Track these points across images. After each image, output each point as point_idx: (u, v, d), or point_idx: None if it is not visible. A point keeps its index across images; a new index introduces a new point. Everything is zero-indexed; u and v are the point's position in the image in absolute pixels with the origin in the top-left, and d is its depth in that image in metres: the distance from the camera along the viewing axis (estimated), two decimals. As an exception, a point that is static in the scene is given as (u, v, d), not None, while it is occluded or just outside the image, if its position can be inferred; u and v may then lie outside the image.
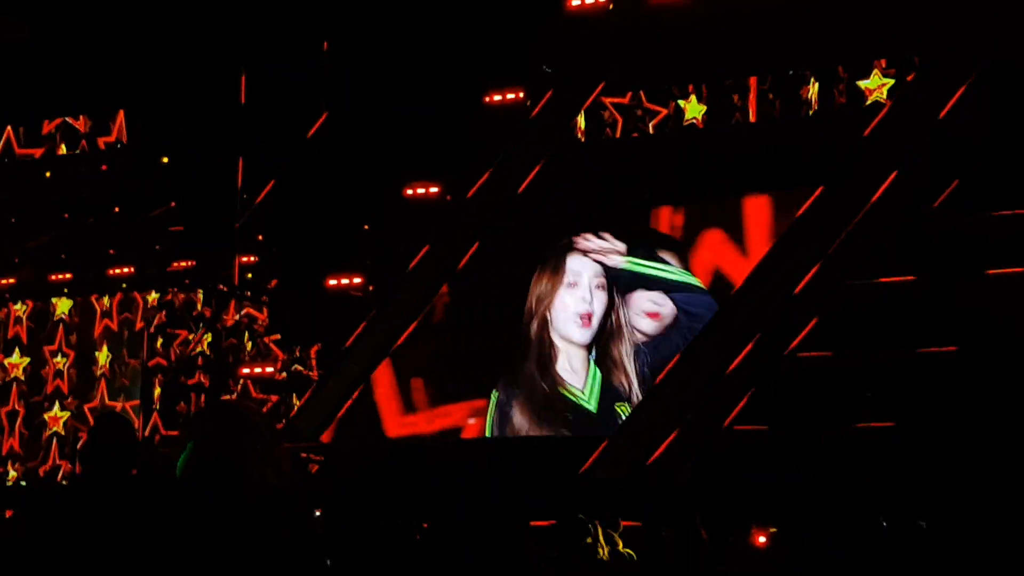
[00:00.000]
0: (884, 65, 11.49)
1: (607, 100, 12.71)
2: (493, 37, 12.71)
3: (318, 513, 11.49)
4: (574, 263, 12.78)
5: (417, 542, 11.70)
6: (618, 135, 12.71)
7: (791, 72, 11.94)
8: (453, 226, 12.92)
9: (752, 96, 12.13)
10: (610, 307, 12.59)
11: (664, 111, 12.49)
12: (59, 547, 5.29)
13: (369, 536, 11.74)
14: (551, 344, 12.73)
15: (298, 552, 4.54)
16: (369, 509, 11.92)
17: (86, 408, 15.56)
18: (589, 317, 12.61)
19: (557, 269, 12.84)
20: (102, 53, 14.55)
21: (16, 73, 14.97)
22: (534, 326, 12.79)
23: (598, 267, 12.73)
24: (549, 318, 12.78)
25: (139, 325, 15.36)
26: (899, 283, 10.70)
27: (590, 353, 12.60)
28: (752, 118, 12.11)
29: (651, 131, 12.52)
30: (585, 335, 12.61)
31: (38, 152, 15.80)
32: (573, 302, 12.68)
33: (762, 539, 10.44)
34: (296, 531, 4.57)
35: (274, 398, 13.89)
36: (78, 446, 15.26)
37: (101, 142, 15.48)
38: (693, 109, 12.35)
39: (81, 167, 15.38)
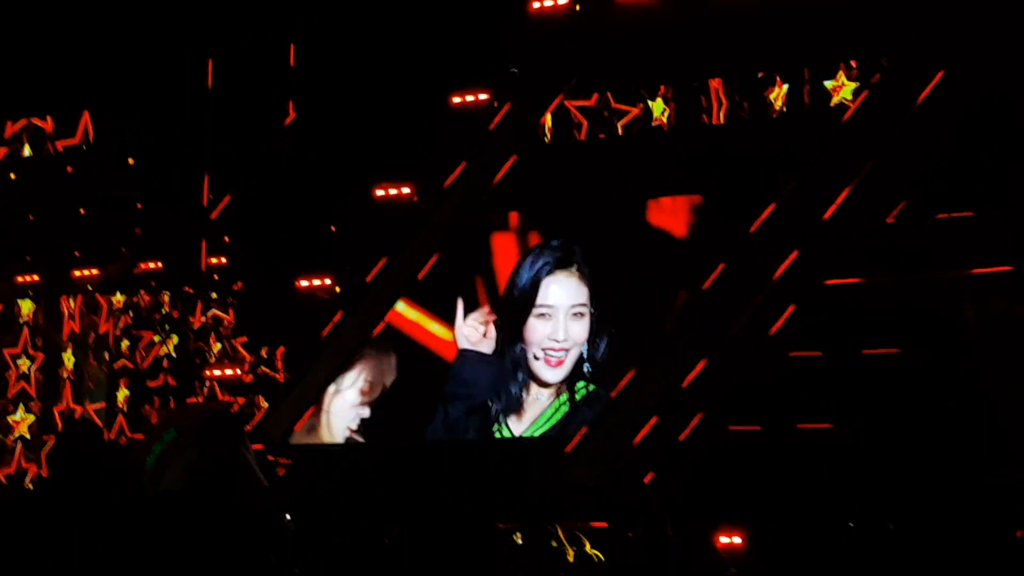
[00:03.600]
0: (853, 66, 11.54)
1: (573, 103, 12.72)
2: (459, 39, 12.71)
3: (288, 517, 11.44)
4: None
5: (387, 546, 11.69)
6: (583, 137, 12.72)
7: (759, 73, 11.98)
8: (419, 228, 12.90)
9: (720, 97, 12.18)
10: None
11: (632, 112, 12.51)
12: (27, 553, 5.28)
13: (339, 541, 11.72)
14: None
15: (275, 554, 4.56)
16: (339, 513, 11.90)
17: (53, 410, 15.50)
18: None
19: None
20: (67, 54, 14.50)
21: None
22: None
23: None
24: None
25: (104, 327, 15.30)
26: (865, 284, 10.75)
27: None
28: (717, 119, 12.15)
29: (620, 132, 12.54)
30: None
31: (1, 153, 15.74)
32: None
33: (727, 540, 10.47)
34: (272, 535, 4.59)
35: (241, 400, 13.87)
36: (44, 451, 15.21)
37: (66, 143, 15.43)
38: (659, 110, 12.37)
39: (46, 169, 15.32)
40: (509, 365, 11.83)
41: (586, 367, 11.73)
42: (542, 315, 11.72)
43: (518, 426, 11.85)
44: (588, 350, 11.76)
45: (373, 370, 12.60)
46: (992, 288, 10.11)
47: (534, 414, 11.81)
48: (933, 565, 9.61)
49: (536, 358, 11.73)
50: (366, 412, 12.42)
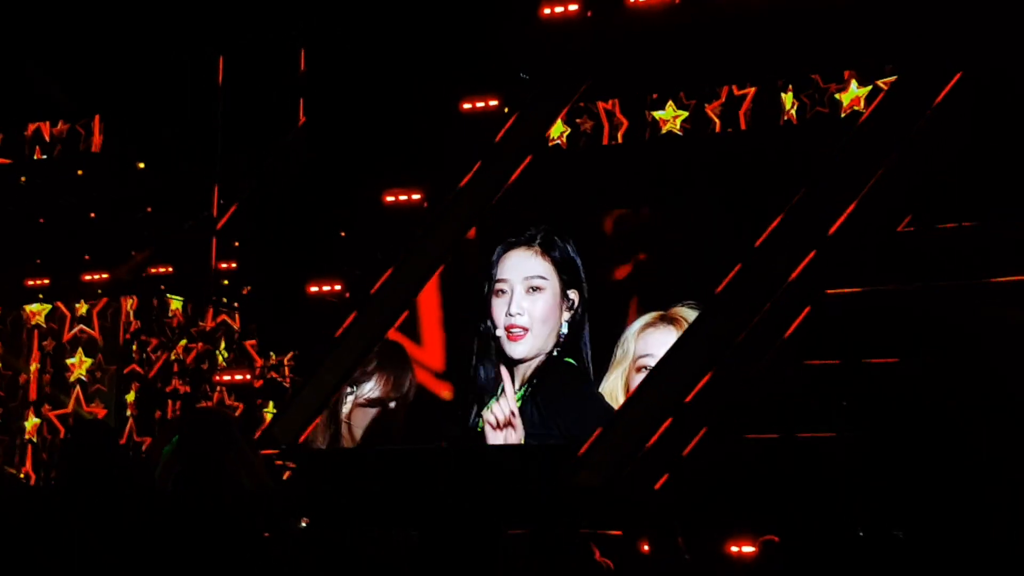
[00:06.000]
0: (870, 72, 11.53)
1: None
2: (469, 44, 12.71)
3: (304, 523, 11.40)
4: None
5: (395, 550, 11.67)
6: (598, 141, 12.72)
7: (771, 80, 11.96)
8: (429, 234, 12.88)
9: (732, 103, 12.17)
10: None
11: (641, 119, 12.51)
12: (39, 552, 5.27)
13: (347, 544, 11.70)
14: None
15: (273, 554, 4.55)
16: (347, 517, 11.88)
17: (58, 413, 15.51)
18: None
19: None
20: (79, 57, 14.52)
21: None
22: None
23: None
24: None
25: (115, 331, 15.33)
26: (875, 292, 10.72)
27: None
28: (728, 127, 12.13)
29: (619, 140, 12.53)
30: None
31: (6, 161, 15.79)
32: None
33: (741, 549, 10.43)
34: (271, 534, 4.58)
35: (250, 405, 13.87)
36: (55, 451, 15.22)
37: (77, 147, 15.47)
38: (670, 116, 12.35)
39: (57, 172, 15.35)
40: (479, 345, 11.76)
41: (556, 351, 11.40)
42: (499, 291, 11.43)
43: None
44: (567, 335, 11.49)
45: (391, 379, 12.52)
46: (1004, 297, 10.08)
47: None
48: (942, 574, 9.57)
49: (500, 336, 11.43)
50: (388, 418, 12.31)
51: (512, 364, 11.76)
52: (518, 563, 11.02)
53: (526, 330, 11.36)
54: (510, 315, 11.38)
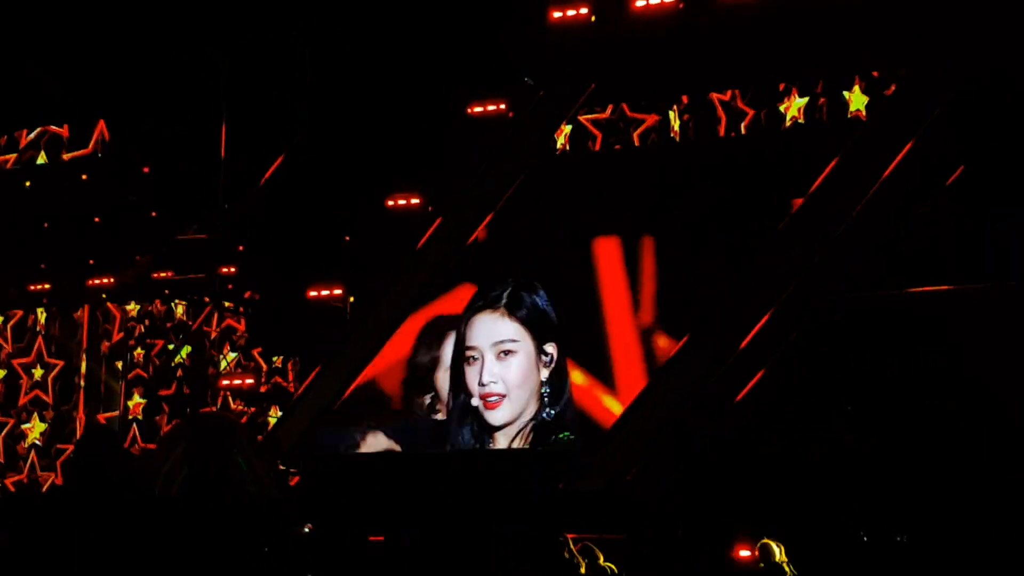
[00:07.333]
0: (871, 76, 11.53)
1: (587, 116, 12.72)
2: (476, 48, 12.69)
3: (308, 529, 11.36)
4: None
5: (397, 553, 11.67)
6: (597, 148, 12.70)
7: (774, 84, 11.96)
8: (433, 238, 12.87)
9: (735, 108, 12.16)
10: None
11: (647, 121, 12.49)
12: (45, 559, 5.26)
13: (349, 547, 11.70)
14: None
15: (278, 562, 4.55)
16: (349, 520, 11.88)
17: (66, 418, 15.52)
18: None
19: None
20: (83, 62, 14.53)
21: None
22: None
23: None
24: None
25: (118, 336, 15.32)
26: (879, 296, 10.71)
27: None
28: (732, 131, 12.12)
29: (636, 143, 12.51)
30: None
31: (11, 158, 15.78)
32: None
33: (744, 552, 10.42)
34: (276, 541, 4.58)
35: (253, 410, 13.85)
36: (60, 459, 15.23)
37: (81, 152, 15.47)
38: (675, 121, 12.35)
39: (61, 177, 15.34)
40: (456, 415, 11.49)
41: (546, 413, 11.33)
42: (470, 359, 11.26)
43: None
44: (550, 391, 11.29)
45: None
46: (994, 301, 10.09)
47: None
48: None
49: (476, 405, 11.28)
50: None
51: (493, 430, 11.40)
52: (514, 563, 11.02)
53: (503, 396, 11.12)
54: (483, 384, 11.15)
